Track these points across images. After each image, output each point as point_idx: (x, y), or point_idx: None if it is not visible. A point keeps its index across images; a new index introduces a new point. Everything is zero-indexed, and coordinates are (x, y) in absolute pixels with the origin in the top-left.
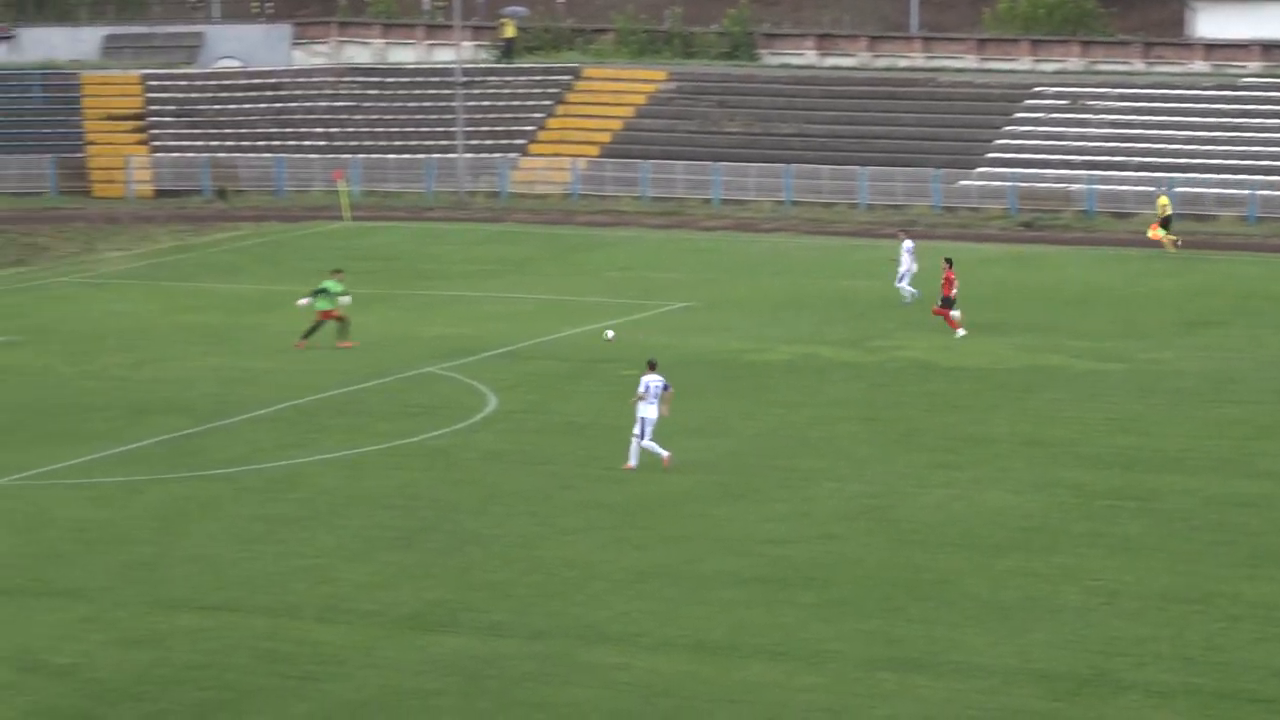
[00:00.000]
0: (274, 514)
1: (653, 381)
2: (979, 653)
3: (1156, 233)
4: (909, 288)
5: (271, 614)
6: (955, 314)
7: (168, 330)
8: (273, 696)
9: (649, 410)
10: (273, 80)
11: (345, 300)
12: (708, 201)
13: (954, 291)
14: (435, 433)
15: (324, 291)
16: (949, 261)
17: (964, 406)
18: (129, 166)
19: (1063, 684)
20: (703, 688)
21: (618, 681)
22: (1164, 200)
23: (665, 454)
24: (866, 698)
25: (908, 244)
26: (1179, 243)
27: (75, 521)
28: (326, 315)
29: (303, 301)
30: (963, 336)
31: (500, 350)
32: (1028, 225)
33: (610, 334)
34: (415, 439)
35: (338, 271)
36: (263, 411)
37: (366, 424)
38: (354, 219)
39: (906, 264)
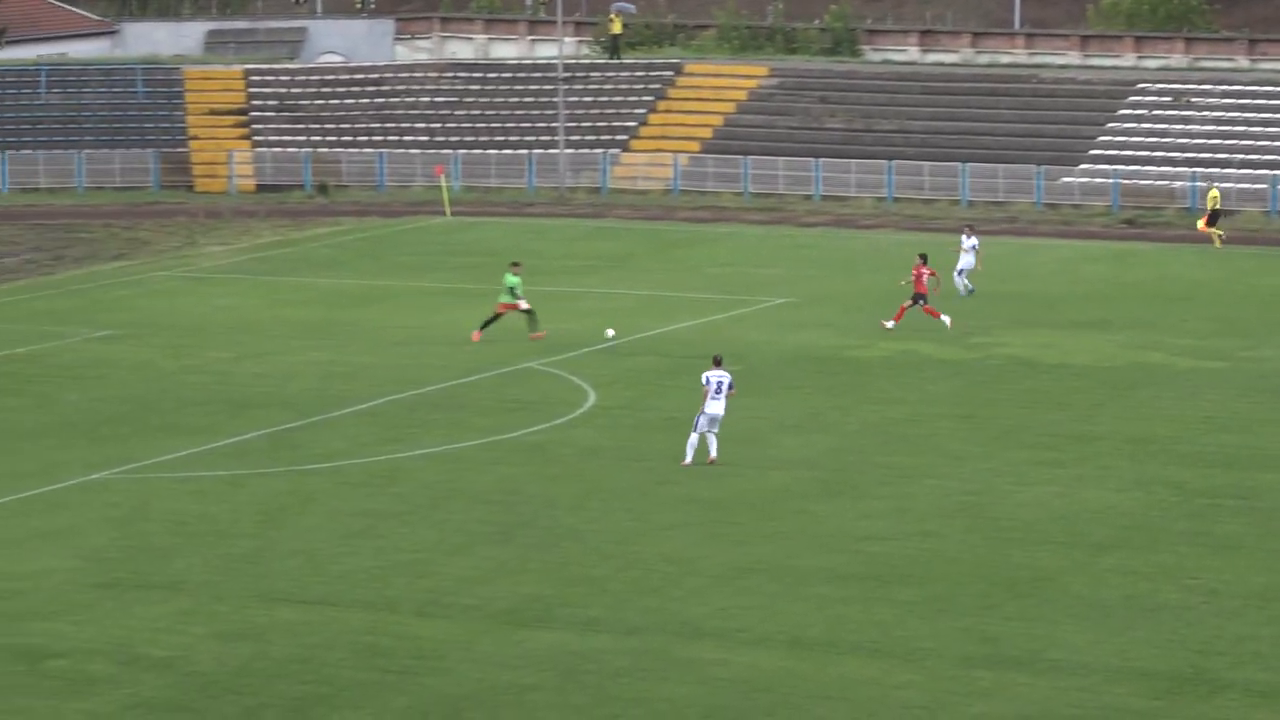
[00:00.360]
0: (373, 508)
1: (714, 376)
2: (1077, 651)
3: (1203, 224)
4: (966, 282)
5: (371, 608)
6: (926, 307)
7: (268, 324)
8: (371, 691)
9: (714, 406)
10: (375, 75)
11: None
12: (808, 197)
13: (927, 286)
14: (534, 428)
15: (509, 290)
16: (923, 257)
17: (1065, 404)
18: (231, 161)
19: (1162, 683)
20: (800, 684)
21: (715, 677)
22: (1215, 193)
23: (713, 454)
24: (963, 695)
25: (972, 240)
26: (1223, 237)
27: (176, 515)
28: (506, 308)
29: (523, 305)
30: (891, 329)
31: (599, 346)
32: (1130, 223)
33: (610, 333)
34: (514, 434)
35: (516, 265)
36: (363, 406)
37: (466, 419)
38: (454, 214)
39: (966, 259)
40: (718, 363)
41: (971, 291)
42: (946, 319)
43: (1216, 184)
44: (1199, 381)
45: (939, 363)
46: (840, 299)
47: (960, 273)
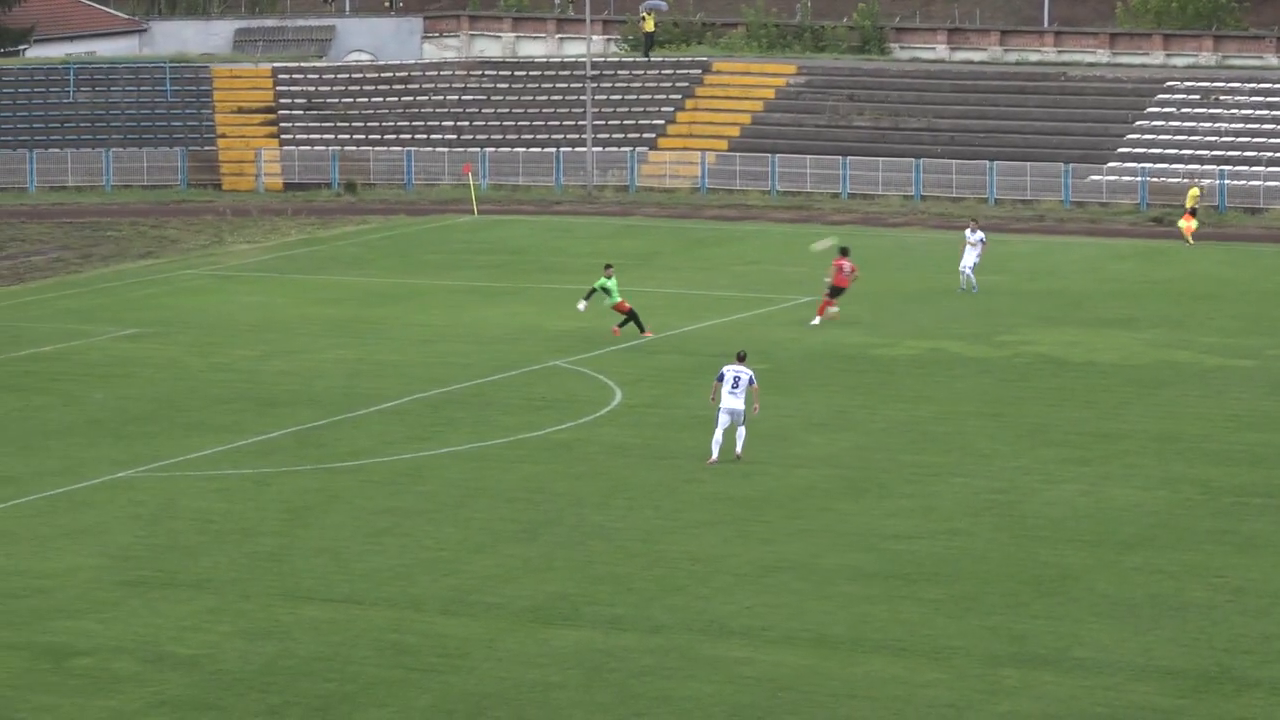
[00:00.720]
0: (399, 507)
1: (731, 371)
2: (1103, 649)
3: (1190, 224)
4: (972, 277)
5: (395, 606)
6: (834, 309)
7: (295, 322)
8: (395, 689)
9: (730, 400)
10: (403, 74)
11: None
12: (836, 196)
13: (847, 281)
14: (560, 426)
15: (605, 291)
16: (844, 251)
17: (1093, 402)
18: (259, 160)
19: (1187, 681)
20: (825, 683)
21: (740, 676)
22: (1196, 191)
23: (738, 449)
24: (989, 694)
25: (978, 235)
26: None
27: (202, 513)
28: (624, 307)
29: (581, 305)
30: (814, 326)
31: (626, 344)
32: (1158, 220)
33: (823, 244)
34: (540, 432)
35: (609, 266)
36: (389, 404)
37: (491, 417)
38: (481, 213)
39: (971, 254)
40: (741, 359)
41: (973, 287)
42: (817, 320)
43: (1199, 182)
44: (1227, 379)
45: (966, 361)
46: (867, 297)
47: (970, 268)
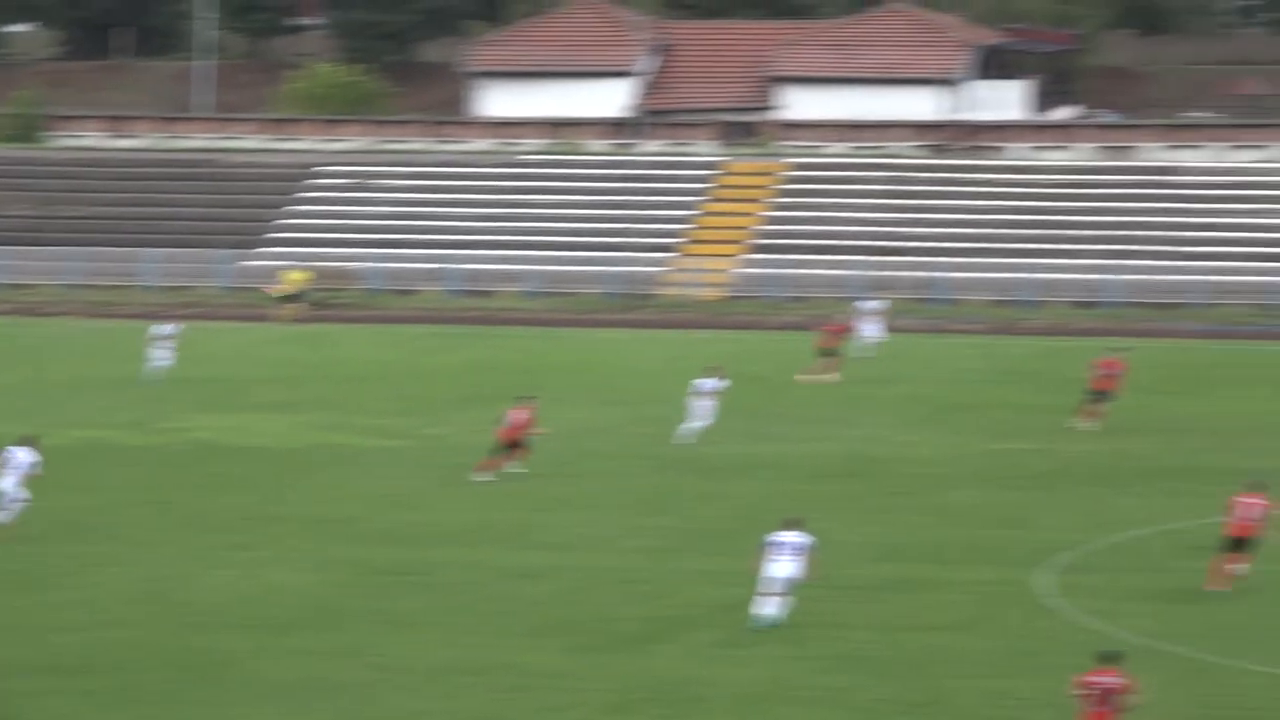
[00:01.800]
0: None
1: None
2: None
3: (282, 295)
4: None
5: None
6: None
7: None
8: None
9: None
10: None
11: None
12: None
13: None
14: None
15: None
16: None
17: (250, 487)
18: None
19: None
20: None
21: None
22: (297, 275)
23: None
24: None
25: (168, 330)
26: (294, 315)
27: None
28: None
29: None
30: None
31: None
32: (316, 305)
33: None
34: None
35: None
36: None
37: None
38: None
39: (161, 350)
40: (22, 442)
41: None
42: None
43: (304, 266)
44: (380, 460)
45: (125, 449)
46: (21, 388)
47: (159, 360)
